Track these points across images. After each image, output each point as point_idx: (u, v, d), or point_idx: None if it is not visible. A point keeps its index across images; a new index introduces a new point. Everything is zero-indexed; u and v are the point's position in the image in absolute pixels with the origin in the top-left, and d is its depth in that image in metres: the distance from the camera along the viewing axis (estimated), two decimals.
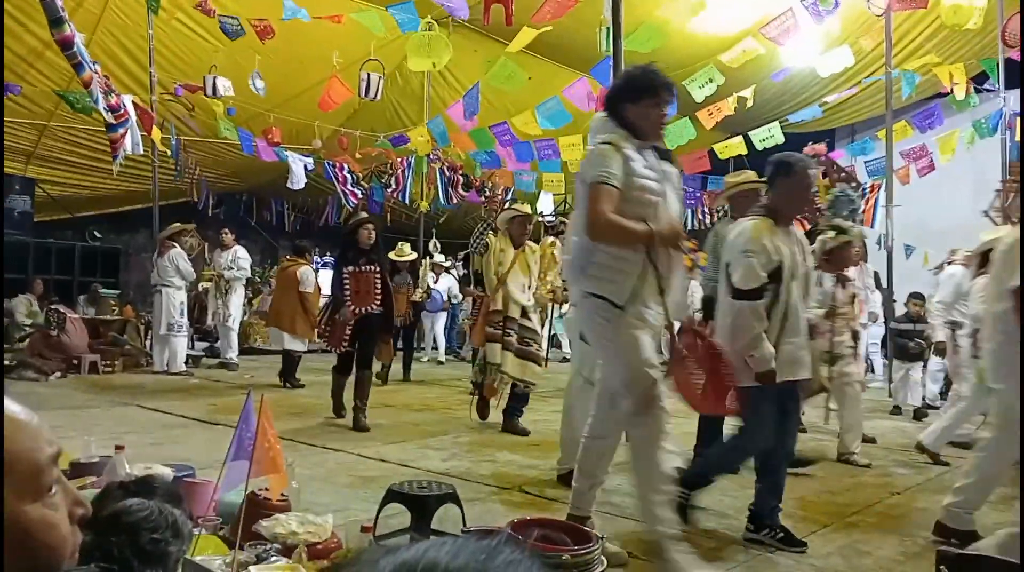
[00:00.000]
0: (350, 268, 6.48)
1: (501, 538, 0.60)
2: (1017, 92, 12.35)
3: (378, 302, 6.49)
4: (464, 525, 3.01)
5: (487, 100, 12.43)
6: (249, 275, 10.75)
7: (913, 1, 9.71)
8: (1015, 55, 10.71)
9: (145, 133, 9.29)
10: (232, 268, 10.16)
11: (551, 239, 7.03)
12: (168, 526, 1.77)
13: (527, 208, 6.84)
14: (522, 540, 2.18)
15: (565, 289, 6.19)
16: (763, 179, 5.61)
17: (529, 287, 6.37)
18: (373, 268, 6.56)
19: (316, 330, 7.57)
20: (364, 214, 6.97)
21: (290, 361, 8.72)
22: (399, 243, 10.13)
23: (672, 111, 3.37)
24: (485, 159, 12.25)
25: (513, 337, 6.16)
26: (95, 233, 14.05)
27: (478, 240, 7.03)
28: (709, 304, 4.62)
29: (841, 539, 3.70)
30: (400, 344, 9.70)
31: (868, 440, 6.00)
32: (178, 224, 9.86)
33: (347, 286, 6.43)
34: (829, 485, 4.80)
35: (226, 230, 10.61)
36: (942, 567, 1.44)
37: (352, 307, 6.38)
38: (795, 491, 4.51)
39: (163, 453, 4.50)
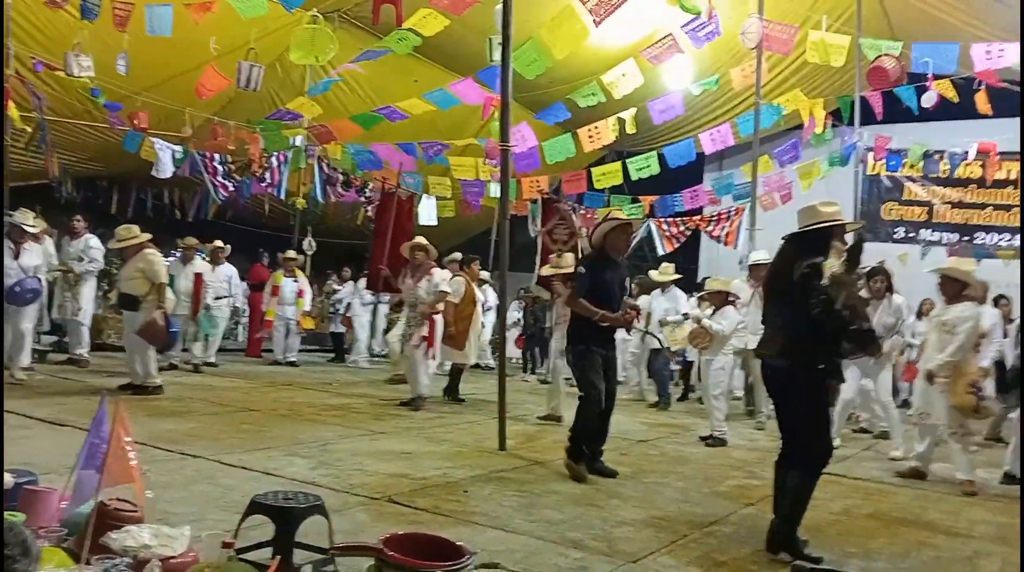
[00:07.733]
0: None
1: None
2: (871, 128, 13.41)
3: None
4: (331, 538, 2.92)
5: (371, 100, 12.29)
6: (103, 266, 10.01)
7: (778, 44, 10.33)
8: (869, 95, 11.59)
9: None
10: (83, 259, 9.45)
11: None
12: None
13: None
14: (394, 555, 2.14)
15: None
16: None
17: None
18: None
19: None
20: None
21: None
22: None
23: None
24: (368, 159, 12.09)
25: None
26: None
27: None
28: None
29: (699, 549, 3.84)
30: None
31: None
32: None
33: None
34: (689, 496, 4.99)
35: (77, 217, 9.78)
36: None
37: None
38: (655, 503, 4.68)
39: None
